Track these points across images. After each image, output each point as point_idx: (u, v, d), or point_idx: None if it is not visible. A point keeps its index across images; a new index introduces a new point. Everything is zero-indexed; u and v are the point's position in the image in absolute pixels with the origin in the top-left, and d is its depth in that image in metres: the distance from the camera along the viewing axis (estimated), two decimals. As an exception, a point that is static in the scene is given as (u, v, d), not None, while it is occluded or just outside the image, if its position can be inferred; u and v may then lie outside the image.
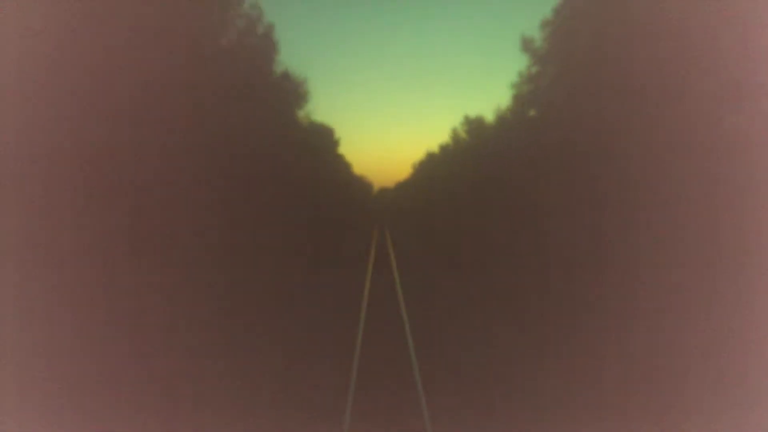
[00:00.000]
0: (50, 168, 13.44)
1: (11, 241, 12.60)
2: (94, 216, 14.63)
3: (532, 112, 35.02)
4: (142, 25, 19.51)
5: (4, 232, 12.52)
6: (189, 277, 19.73)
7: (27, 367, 11.91)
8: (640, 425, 10.23)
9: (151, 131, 19.09)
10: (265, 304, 19.92)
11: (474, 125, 52.64)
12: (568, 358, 13.77)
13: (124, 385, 11.66)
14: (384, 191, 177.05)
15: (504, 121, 41.20)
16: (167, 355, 13.54)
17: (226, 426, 10.22)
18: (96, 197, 14.87)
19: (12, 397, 10.86)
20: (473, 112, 57.74)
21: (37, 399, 10.85)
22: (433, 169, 69.90)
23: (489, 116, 47.04)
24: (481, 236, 40.68)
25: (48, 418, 10.25)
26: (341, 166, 62.14)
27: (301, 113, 44.57)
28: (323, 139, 49.92)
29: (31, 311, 12.84)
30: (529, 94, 36.59)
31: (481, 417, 10.55)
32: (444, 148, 67.24)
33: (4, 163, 12.56)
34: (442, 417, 10.53)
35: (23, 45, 13.30)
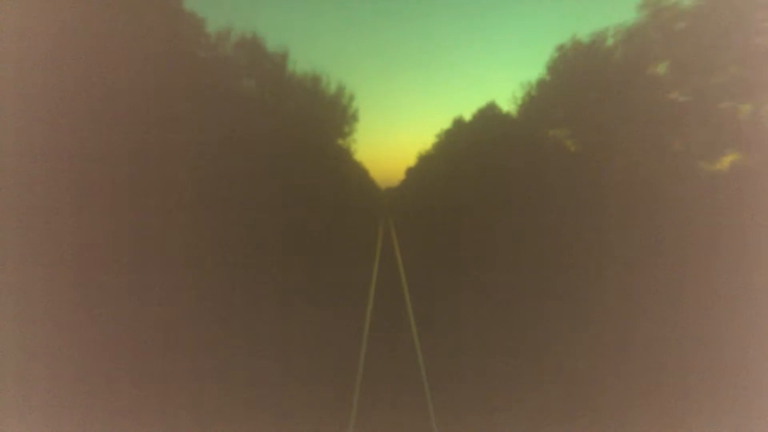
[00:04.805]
0: (50, 168, 13.44)
1: (11, 241, 12.61)
2: (94, 216, 14.63)
3: (535, 111, 34.95)
4: (142, 25, 19.51)
5: (4, 232, 12.54)
6: (191, 275, 19.71)
7: (27, 367, 11.91)
8: (641, 425, 10.11)
9: (152, 130, 19.09)
10: (271, 302, 19.88)
11: (478, 123, 52.50)
12: (572, 357, 13.65)
13: (124, 386, 11.64)
14: (390, 189, 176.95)
15: (507, 119, 41.09)
16: (168, 354, 13.52)
17: (228, 426, 10.17)
18: (96, 197, 14.87)
19: (12, 397, 10.86)
20: (478, 110, 57.45)
21: (37, 399, 10.85)
22: (438, 167, 69.77)
23: (493, 115, 46.82)
24: (486, 234, 40.54)
25: (48, 418, 10.25)
26: (347, 164, 62.08)
27: (306, 112, 44.54)
28: (329, 138, 49.86)
29: (31, 311, 12.84)
30: (533, 92, 36.55)
31: (487, 417, 10.46)
32: (448, 146, 67.16)
33: (4, 163, 12.59)
34: (449, 417, 10.45)
35: (23, 45, 13.31)
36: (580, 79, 30.32)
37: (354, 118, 55.90)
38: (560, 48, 31.90)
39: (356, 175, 76.56)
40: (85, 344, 13.15)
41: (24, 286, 12.92)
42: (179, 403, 11.04)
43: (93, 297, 14.46)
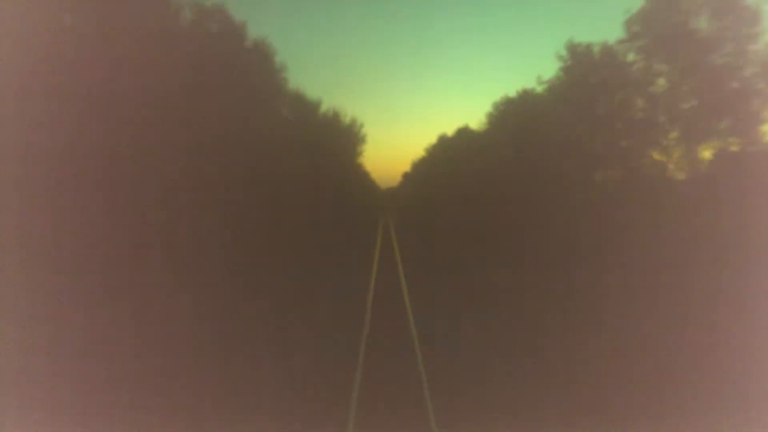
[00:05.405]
0: (50, 168, 13.43)
1: (11, 241, 12.61)
2: (94, 216, 14.61)
3: (536, 112, 35.07)
4: (144, 26, 19.51)
5: (4, 232, 12.53)
6: (191, 275, 19.71)
7: (27, 367, 11.91)
8: (641, 425, 10.11)
9: (154, 130, 19.09)
10: (271, 302, 19.88)
11: (478, 124, 52.82)
12: (572, 357, 13.64)
13: (124, 385, 11.63)
14: (390, 189, 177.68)
15: (507, 120, 41.15)
16: (167, 354, 13.51)
17: (228, 426, 10.17)
18: (96, 197, 14.85)
19: (12, 397, 10.86)
20: (478, 111, 59.39)
21: (37, 399, 10.84)
22: (438, 168, 70.07)
23: (493, 116, 46.94)
24: (486, 234, 40.56)
25: (48, 418, 10.24)
26: (348, 165, 62.48)
27: (307, 113, 44.83)
28: (330, 140, 50.20)
29: (31, 311, 12.83)
30: (533, 93, 36.68)
31: (487, 417, 10.45)
32: (448, 147, 67.60)
33: (4, 163, 12.58)
34: (449, 417, 10.44)
35: (23, 45, 13.30)
36: (580, 81, 30.42)
37: (363, 140, 60.31)
38: (558, 53, 32.16)
39: (357, 176, 76.87)
40: (85, 344, 13.15)
41: (24, 286, 12.92)
42: (179, 403, 11.03)
43: (93, 297, 14.44)
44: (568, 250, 28.26)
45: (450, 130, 70.52)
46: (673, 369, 12.53)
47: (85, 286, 14.42)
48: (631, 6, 24.80)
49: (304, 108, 44.13)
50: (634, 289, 19.67)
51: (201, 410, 10.78)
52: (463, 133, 61.43)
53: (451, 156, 60.78)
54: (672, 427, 10.03)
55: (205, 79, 23.26)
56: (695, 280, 18.81)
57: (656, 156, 24.97)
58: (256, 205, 29.85)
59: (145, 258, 17.50)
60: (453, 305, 19.73)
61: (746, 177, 20.28)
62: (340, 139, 54.48)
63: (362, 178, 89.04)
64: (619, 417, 10.35)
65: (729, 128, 21.44)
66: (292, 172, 36.11)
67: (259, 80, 32.95)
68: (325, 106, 50.88)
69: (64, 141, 14.18)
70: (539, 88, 35.15)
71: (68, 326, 13.50)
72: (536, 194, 34.28)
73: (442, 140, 75.32)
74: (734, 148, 21.71)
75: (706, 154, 22.78)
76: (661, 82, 24.09)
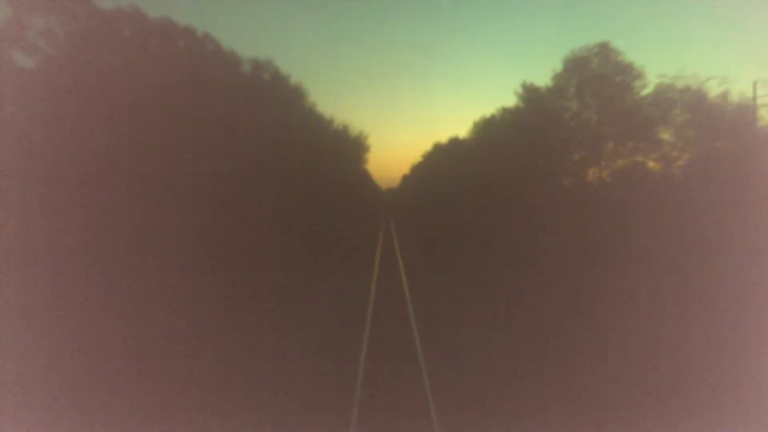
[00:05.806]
0: (50, 168, 13.42)
1: (11, 241, 12.59)
2: (94, 216, 14.60)
3: (532, 115, 35.46)
4: (145, 25, 19.51)
5: (4, 232, 12.52)
6: (191, 275, 19.69)
7: (27, 367, 11.90)
8: (641, 425, 10.10)
9: (155, 130, 19.09)
10: (271, 302, 19.88)
11: (478, 126, 52.97)
12: (572, 357, 13.63)
13: (124, 385, 11.63)
14: (390, 190, 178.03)
15: (507, 123, 41.32)
16: (168, 354, 13.51)
17: (228, 426, 10.16)
18: (96, 197, 14.84)
19: (12, 397, 10.85)
20: (478, 113, 60.19)
21: (37, 399, 10.84)
22: (438, 169, 70.24)
23: (493, 118, 47.14)
24: (486, 234, 40.54)
25: (48, 418, 10.23)
26: (349, 166, 62.74)
27: (310, 115, 44.91)
28: (333, 143, 50.32)
29: (31, 311, 12.82)
30: (530, 97, 37.01)
31: (488, 417, 10.44)
32: (448, 148, 67.89)
33: (4, 163, 12.58)
34: (450, 416, 10.43)
35: (24, 46, 13.30)
36: (577, 84, 30.74)
37: (366, 149, 62.96)
38: (555, 59, 34.72)
39: (358, 177, 76.96)
40: (85, 344, 13.14)
41: (24, 286, 12.91)
42: (179, 403, 11.03)
43: (93, 297, 14.44)
44: (568, 250, 28.27)
45: (450, 133, 71.27)
46: (673, 369, 12.52)
47: (85, 286, 14.42)
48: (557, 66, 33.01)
49: (306, 110, 44.19)
50: (635, 291, 19.66)
51: (201, 410, 10.77)
52: (463, 134, 62.38)
53: (452, 158, 61.27)
54: (672, 427, 10.02)
55: (205, 80, 23.27)
56: (695, 280, 18.80)
57: (592, 172, 31.80)
58: (259, 206, 29.92)
59: (145, 258, 17.48)
60: (454, 306, 19.72)
61: (746, 178, 20.34)
62: (343, 142, 55.14)
63: (364, 179, 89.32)
64: (620, 417, 10.34)
65: (637, 148, 28.95)
66: (295, 174, 36.24)
67: (260, 82, 32.99)
68: (327, 109, 51.76)
69: (64, 141, 14.17)
70: (514, 108, 40.69)
71: (68, 326, 13.49)
72: (536, 195, 34.50)
73: (443, 142, 75.98)
74: (650, 163, 28.10)
75: (620, 163, 29.94)
76: (587, 114, 32.23)
